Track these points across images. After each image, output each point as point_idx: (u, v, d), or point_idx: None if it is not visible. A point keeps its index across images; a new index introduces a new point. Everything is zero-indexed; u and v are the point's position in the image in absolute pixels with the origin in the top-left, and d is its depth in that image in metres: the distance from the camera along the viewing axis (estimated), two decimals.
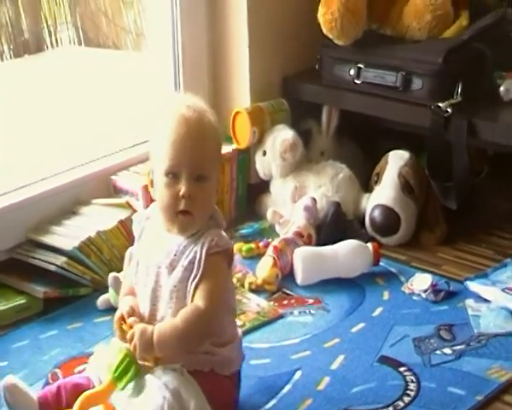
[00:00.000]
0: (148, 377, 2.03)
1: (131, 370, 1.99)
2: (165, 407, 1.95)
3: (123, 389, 2.00)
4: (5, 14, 3.06)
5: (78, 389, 2.05)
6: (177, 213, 2.04)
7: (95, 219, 2.78)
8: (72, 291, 2.63)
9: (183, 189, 2.02)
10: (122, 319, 2.05)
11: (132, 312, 2.05)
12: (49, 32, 3.23)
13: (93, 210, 2.83)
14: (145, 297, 2.11)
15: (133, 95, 3.22)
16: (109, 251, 2.67)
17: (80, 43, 3.32)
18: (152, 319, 2.08)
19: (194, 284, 2.02)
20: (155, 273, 2.09)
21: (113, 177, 2.92)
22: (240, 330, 2.24)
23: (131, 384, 2.01)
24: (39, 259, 2.68)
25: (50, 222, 2.78)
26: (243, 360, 2.18)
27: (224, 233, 2.12)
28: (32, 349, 2.47)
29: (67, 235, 2.71)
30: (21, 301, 2.63)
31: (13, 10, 3.10)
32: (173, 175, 2.02)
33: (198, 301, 2.01)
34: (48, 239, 2.72)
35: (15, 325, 2.58)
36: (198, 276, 2.02)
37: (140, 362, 2.00)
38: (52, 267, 2.64)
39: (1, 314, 2.59)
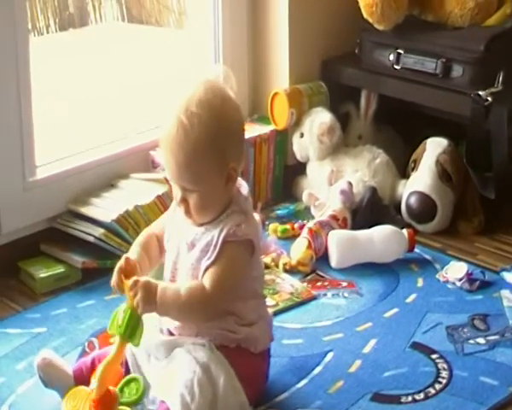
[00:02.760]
0: (178, 350, 2.06)
1: (140, 325, 2.00)
2: (195, 381, 1.97)
3: (138, 345, 2.01)
4: None
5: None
6: (180, 208, 2.09)
7: (133, 193, 2.79)
8: (110, 263, 2.63)
9: (178, 195, 2.07)
10: (121, 271, 2.07)
11: (127, 264, 2.07)
12: (94, 7, 3.24)
13: (131, 184, 2.85)
14: (167, 266, 2.15)
15: (174, 72, 3.22)
16: (146, 225, 2.66)
17: (124, 20, 3.33)
18: (192, 277, 2.10)
19: (206, 264, 2.04)
20: (177, 247, 2.12)
21: (151, 152, 2.93)
22: (270, 312, 2.26)
23: (162, 356, 2.05)
24: (78, 229, 2.71)
25: (90, 194, 2.80)
26: (271, 341, 2.19)
27: (252, 219, 2.13)
28: (69, 318, 2.50)
29: (106, 207, 2.74)
30: (60, 269, 2.67)
31: None
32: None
33: (206, 281, 2.03)
34: (87, 211, 2.74)
35: (54, 293, 2.62)
36: (212, 259, 2.03)
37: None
38: (90, 238, 2.67)
39: (41, 282, 2.63)
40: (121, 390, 1.99)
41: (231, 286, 2.08)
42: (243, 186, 2.14)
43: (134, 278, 2.00)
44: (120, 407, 1.98)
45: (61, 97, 3.00)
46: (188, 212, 2.06)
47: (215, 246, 2.03)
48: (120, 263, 2.07)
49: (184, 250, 2.10)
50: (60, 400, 2.10)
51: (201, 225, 2.08)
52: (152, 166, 2.92)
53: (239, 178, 2.11)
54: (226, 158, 2.03)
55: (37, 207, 2.74)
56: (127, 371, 2.07)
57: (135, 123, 3.00)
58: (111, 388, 1.98)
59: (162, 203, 2.73)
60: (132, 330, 1.99)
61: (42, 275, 2.64)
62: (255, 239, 2.09)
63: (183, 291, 2.02)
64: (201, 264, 2.04)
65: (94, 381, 1.98)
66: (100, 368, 1.99)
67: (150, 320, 2.08)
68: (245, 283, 2.11)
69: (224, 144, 2.03)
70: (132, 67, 3.18)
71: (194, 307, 2.04)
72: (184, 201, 2.05)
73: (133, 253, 2.15)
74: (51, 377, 2.13)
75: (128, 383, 2.01)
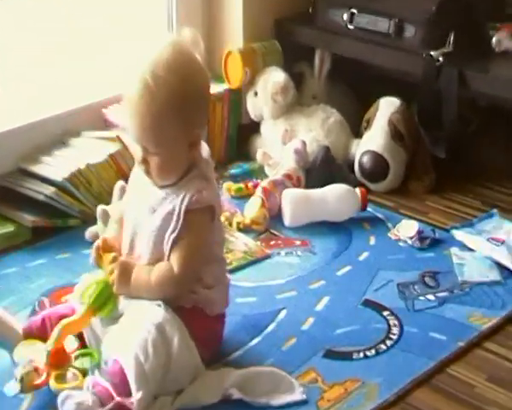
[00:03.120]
0: (133, 309, 2.08)
1: (112, 301, 2.05)
2: (149, 341, 1.98)
3: (105, 317, 2.05)
4: None
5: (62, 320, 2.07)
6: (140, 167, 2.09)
7: (85, 152, 2.78)
8: (61, 222, 2.65)
9: (140, 153, 2.06)
10: (99, 248, 2.10)
11: (105, 243, 2.11)
12: None
13: (83, 142, 2.84)
14: (127, 231, 2.14)
15: (128, 33, 3.19)
16: (98, 184, 2.68)
17: None
18: (130, 253, 2.13)
19: (172, 237, 2.05)
20: (137, 209, 2.12)
21: (104, 110, 2.92)
22: (228, 277, 2.26)
23: (118, 315, 2.06)
24: (28, 188, 2.70)
25: (41, 152, 2.79)
26: (227, 306, 2.21)
27: (213, 184, 2.14)
28: (19, 277, 2.49)
29: (57, 166, 2.73)
30: (10, 228, 2.65)
31: None
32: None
33: (174, 263, 2.05)
34: (38, 169, 2.73)
35: (3, 252, 2.61)
36: (176, 230, 2.05)
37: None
38: (41, 197, 2.66)
39: None
40: (76, 358, 2.02)
41: (198, 262, 2.10)
42: (205, 149, 2.14)
43: (114, 254, 2.06)
44: (71, 369, 2.00)
45: (8, 52, 2.95)
46: (148, 172, 2.07)
47: (178, 215, 2.04)
48: (98, 242, 2.11)
49: (145, 213, 2.10)
50: (7, 358, 2.11)
51: (162, 187, 2.08)
52: (105, 124, 2.91)
53: (203, 142, 2.12)
54: (191, 124, 2.05)
55: None
56: (83, 344, 2.09)
57: (87, 82, 2.97)
58: (66, 348, 2.01)
59: (115, 162, 2.73)
60: (102, 303, 2.03)
61: None
62: (216, 205, 2.11)
63: (153, 277, 2.06)
64: (166, 235, 2.06)
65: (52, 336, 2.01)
66: (60, 324, 2.01)
67: None
68: (206, 248, 2.13)
69: (190, 110, 2.04)
70: (82, 20, 3.13)
71: (165, 290, 2.08)
72: (145, 161, 2.06)
73: (110, 230, 2.21)
74: (0, 333, 2.13)
75: (84, 355, 2.04)
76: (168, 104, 1.99)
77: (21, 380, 1.97)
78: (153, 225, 2.08)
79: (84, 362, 2.03)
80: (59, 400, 1.94)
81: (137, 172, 2.14)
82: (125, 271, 2.05)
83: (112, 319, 2.09)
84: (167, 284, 2.07)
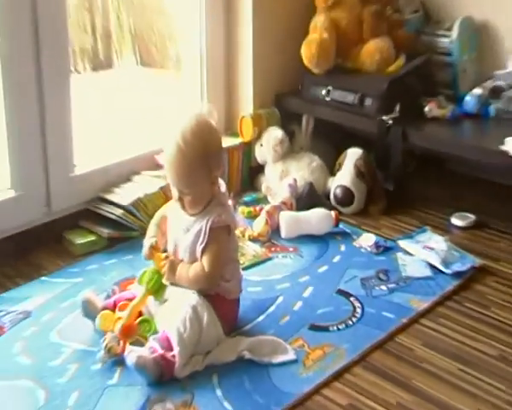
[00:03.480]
0: (176, 296, 2.09)
1: (162, 287, 2.09)
2: (187, 318, 2.01)
3: (159, 299, 2.09)
4: (88, 43, 3.08)
5: (127, 302, 2.10)
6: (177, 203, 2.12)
7: (143, 185, 2.77)
8: (127, 234, 2.66)
9: (176, 193, 2.10)
10: (153, 248, 2.13)
11: (156, 244, 2.14)
12: (116, 54, 3.23)
13: (142, 179, 2.83)
14: (170, 243, 2.17)
15: (172, 103, 3.22)
16: (152, 208, 2.66)
17: (138, 64, 3.32)
18: (192, 254, 2.12)
19: (201, 248, 2.08)
20: (177, 231, 2.14)
21: (156, 156, 2.90)
22: (241, 272, 2.26)
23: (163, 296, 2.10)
24: (105, 210, 2.70)
25: (113, 185, 2.78)
26: (241, 291, 2.22)
27: (229, 209, 2.16)
28: (98, 272, 2.50)
29: (124, 195, 2.72)
30: (92, 238, 2.66)
31: (93, 40, 3.12)
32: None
33: (205, 263, 2.07)
34: (111, 197, 2.73)
35: (88, 254, 2.62)
36: (204, 243, 2.07)
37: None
38: (113, 217, 2.67)
39: (78, 246, 2.63)
40: (138, 324, 2.04)
41: (222, 263, 2.11)
42: (222, 185, 2.16)
43: (166, 254, 2.11)
44: (137, 337, 2.03)
45: (93, 118, 2.98)
46: (183, 206, 2.10)
47: (205, 233, 2.06)
48: (151, 243, 2.14)
49: (182, 233, 2.12)
50: (92, 326, 2.14)
51: (193, 215, 2.10)
52: (156, 166, 2.90)
53: (219, 179, 2.14)
54: (210, 170, 2.07)
55: (76, 194, 2.72)
56: (140, 315, 2.10)
57: (145, 137, 2.98)
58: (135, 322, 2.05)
59: (164, 193, 2.72)
60: (157, 288, 2.08)
61: (79, 242, 2.63)
62: (231, 224, 2.14)
63: (191, 272, 2.08)
64: (197, 246, 2.08)
65: (121, 314, 2.05)
66: (130, 306, 2.06)
67: None
68: (225, 253, 2.14)
69: (209, 161, 2.06)
70: (143, 97, 3.17)
71: (197, 283, 2.09)
72: (181, 199, 2.09)
73: (151, 230, 2.22)
74: (88, 310, 2.16)
75: (142, 322, 2.05)
76: (194, 159, 2.03)
77: (109, 350, 2.01)
78: (188, 240, 2.11)
79: (145, 328, 2.05)
80: (125, 354, 1.96)
81: (174, 204, 2.16)
82: (173, 266, 2.09)
83: (161, 301, 2.11)
84: (200, 279, 2.09)
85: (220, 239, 2.10)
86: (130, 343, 2.01)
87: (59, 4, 2.54)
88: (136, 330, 2.04)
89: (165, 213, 2.23)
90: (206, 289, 2.10)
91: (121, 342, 2.01)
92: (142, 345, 2.00)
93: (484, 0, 3.11)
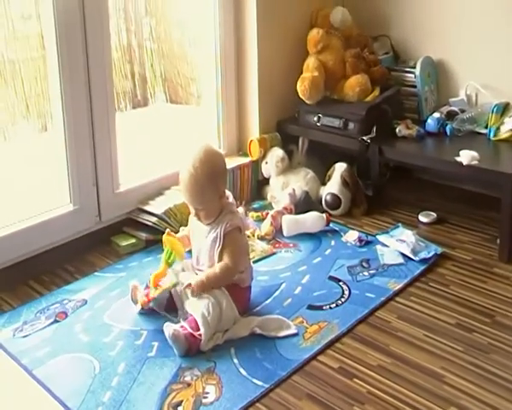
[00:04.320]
0: None
1: (173, 258, 2.12)
2: (210, 304, 2.01)
3: (171, 266, 2.12)
4: (128, 86, 3.10)
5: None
6: (196, 216, 2.12)
7: (173, 198, 2.75)
8: (160, 237, 2.60)
9: (193, 210, 2.11)
10: (168, 234, 2.14)
11: (169, 232, 2.15)
12: (151, 94, 3.24)
13: (172, 193, 2.80)
14: (194, 250, 2.16)
15: (195, 130, 3.22)
16: (180, 215, 2.66)
17: (167, 101, 3.33)
18: (197, 261, 2.13)
19: (218, 251, 2.07)
20: (199, 238, 2.13)
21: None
22: (252, 263, 2.25)
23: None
24: (143, 218, 2.69)
25: (149, 198, 2.77)
26: (252, 280, 2.21)
27: (237, 214, 2.13)
28: (138, 268, 2.49)
29: (158, 206, 2.70)
30: (133, 241, 2.65)
31: (132, 84, 3.13)
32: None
33: (226, 260, 2.06)
34: (148, 207, 2.71)
35: (129, 254, 2.61)
36: (220, 247, 2.06)
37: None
38: (150, 223, 2.66)
39: (123, 248, 2.62)
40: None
41: (241, 255, 2.11)
42: (229, 196, 2.15)
43: (189, 282, 2.05)
44: (163, 285, 2.09)
45: (133, 146, 2.99)
46: (199, 219, 2.10)
47: (220, 239, 2.06)
48: (167, 231, 2.16)
49: (202, 240, 2.12)
50: (135, 310, 2.16)
51: (208, 224, 2.09)
52: None
53: (226, 191, 2.13)
54: (218, 187, 2.07)
55: (121, 206, 2.71)
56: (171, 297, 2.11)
57: (172, 159, 2.97)
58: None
59: None
60: (171, 261, 2.11)
61: (123, 244, 2.62)
62: (240, 225, 2.12)
63: (218, 270, 2.06)
64: (214, 250, 2.07)
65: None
66: (151, 276, 2.11)
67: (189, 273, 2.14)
68: (240, 248, 2.13)
69: (217, 180, 2.06)
70: (172, 128, 3.17)
71: (225, 277, 2.08)
72: (197, 214, 2.09)
73: (183, 232, 2.24)
74: (135, 296, 2.16)
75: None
76: (204, 181, 2.03)
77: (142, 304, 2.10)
78: (207, 245, 2.10)
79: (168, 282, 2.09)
80: (164, 328, 1.97)
81: (193, 217, 2.16)
82: (201, 284, 2.04)
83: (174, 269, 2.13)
84: (228, 273, 2.07)
85: (234, 239, 2.08)
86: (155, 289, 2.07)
87: (105, 57, 2.55)
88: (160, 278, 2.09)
89: (189, 226, 2.22)
90: (230, 281, 2.09)
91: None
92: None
93: (439, 43, 3.09)
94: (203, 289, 2.03)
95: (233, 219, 2.08)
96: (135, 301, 2.16)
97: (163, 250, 2.15)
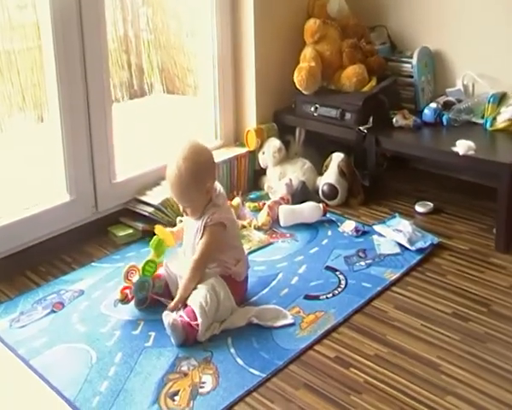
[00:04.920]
0: None
1: (161, 247, 2.13)
2: (208, 295, 2.00)
3: (159, 256, 2.14)
4: (125, 77, 3.09)
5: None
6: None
7: None
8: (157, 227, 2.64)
9: (181, 207, 2.10)
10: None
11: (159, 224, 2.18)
12: (147, 85, 3.23)
13: None
14: (188, 242, 2.14)
15: (192, 121, 3.21)
16: (177, 206, 2.58)
17: (164, 92, 3.32)
18: (193, 250, 2.11)
19: (198, 241, 2.07)
20: (189, 232, 2.13)
21: None
22: (246, 254, 2.24)
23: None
24: (140, 208, 2.68)
25: (146, 188, 2.75)
26: (248, 269, 2.20)
27: (223, 208, 2.10)
28: (136, 257, 2.46)
29: (155, 196, 2.70)
30: (130, 231, 2.63)
31: (129, 74, 3.12)
32: None
33: (196, 254, 2.06)
34: (144, 198, 2.71)
35: (127, 244, 2.60)
36: (199, 237, 2.07)
37: None
38: (146, 213, 2.64)
39: (120, 238, 2.61)
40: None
41: (210, 251, 2.08)
42: (219, 188, 2.13)
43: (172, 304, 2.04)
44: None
45: (130, 136, 2.98)
46: (187, 214, 2.09)
47: (201, 230, 2.06)
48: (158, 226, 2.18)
49: (192, 233, 2.11)
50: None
51: (196, 219, 2.08)
52: None
53: (216, 184, 2.12)
54: (204, 183, 2.05)
55: (117, 196, 2.70)
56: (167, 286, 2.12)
57: (169, 149, 2.95)
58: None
59: None
60: (160, 252, 2.12)
61: (120, 234, 2.61)
62: (224, 220, 2.08)
63: (189, 273, 2.05)
64: (195, 243, 2.08)
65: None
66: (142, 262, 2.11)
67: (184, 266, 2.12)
68: (226, 242, 2.11)
69: (202, 178, 2.04)
70: (169, 118, 3.16)
71: (197, 272, 2.06)
72: (184, 210, 2.09)
73: (179, 226, 2.23)
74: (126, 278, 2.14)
75: (148, 262, 2.12)
76: (189, 181, 2.02)
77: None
78: (196, 239, 2.09)
79: (149, 269, 2.11)
80: (163, 317, 1.96)
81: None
82: (182, 298, 2.03)
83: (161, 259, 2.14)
84: (196, 267, 2.05)
85: (212, 233, 2.06)
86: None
87: (102, 47, 2.53)
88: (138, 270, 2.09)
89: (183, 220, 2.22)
90: (219, 272, 2.08)
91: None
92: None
93: (437, 33, 3.08)
94: (184, 299, 2.03)
95: (215, 213, 2.06)
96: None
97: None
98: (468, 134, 2.70)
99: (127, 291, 2.10)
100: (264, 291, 2.22)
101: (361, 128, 2.84)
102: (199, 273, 2.06)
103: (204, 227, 2.05)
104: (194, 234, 2.08)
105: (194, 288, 2.04)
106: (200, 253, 2.06)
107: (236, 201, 2.75)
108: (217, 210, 2.07)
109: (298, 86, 3.00)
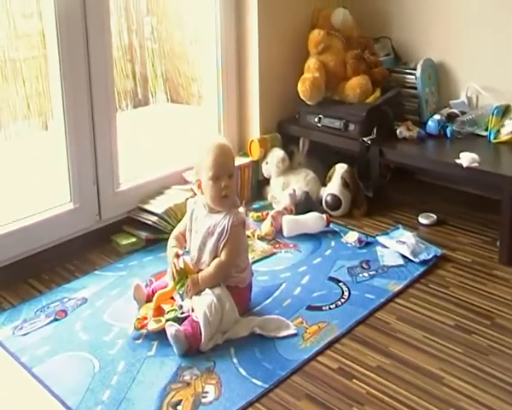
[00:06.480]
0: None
1: (183, 283, 2.06)
2: (212, 305, 2.01)
3: (179, 290, 2.07)
4: (129, 86, 3.10)
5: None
6: (221, 198, 2.06)
7: (173, 197, 2.76)
8: (161, 237, 2.64)
9: (223, 183, 2.04)
10: (177, 255, 2.10)
11: (177, 256, 2.10)
12: (152, 94, 3.25)
13: (173, 192, 2.82)
14: (194, 248, 2.14)
15: (196, 130, 3.22)
16: (181, 215, 2.62)
17: (168, 101, 3.33)
18: (198, 261, 2.12)
19: (222, 243, 2.06)
20: (202, 236, 2.11)
21: (183, 174, 2.91)
22: (250, 261, 2.25)
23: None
24: (143, 217, 2.69)
25: (149, 197, 2.77)
26: (252, 276, 2.21)
27: (241, 210, 2.14)
28: (138, 267, 2.49)
29: (158, 205, 2.71)
30: (133, 240, 2.65)
31: (133, 83, 3.13)
32: (216, 178, 2.05)
33: (222, 256, 2.06)
34: (148, 207, 2.72)
35: (130, 253, 2.61)
36: (225, 239, 2.06)
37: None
38: (150, 222, 2.66)
39: (123, 246, 2.62)
40: (167, 312, 2.03)
41: (242, 252, 2.12)
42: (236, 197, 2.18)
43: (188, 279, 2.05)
44: (166, 316, 2.02)
45: (134, 145, 3.00)
46: (227, 195, 2.08)
47: (227, 230, 2.06)
48: (176, 252, 2.11)
49: (206, 237, 2.10)
50: (134, 309, 2.14)
51: (217, 212, 2.10)
52: (184, 182, 2.90)
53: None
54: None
55: (121, 205, 2.71)
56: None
57: (173, 159, 2.98)
58: (162, 305, 2.05)
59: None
60: (180, 286, 2.06)
61: (123, 242, 2.63)
62: (246, 219, 2.17)
63: (212, 268, 2.06)
64: (219, 244, 2.07)
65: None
66: (156, 294, 2.07)
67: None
68: (240, 245, 2.14)
69: (234, 156, 2.15)
70: (172, 126, 3.18)
71: (220, 273, 2.08)
72: (227, 187, 2.07)
73: (171, 244, 2.17)
74: (138, 295, 2.15)
75: (171, 311, 2.05)
76: (229, 151, 2.11)
77: (135, 325, 2.04)
78: (212, 242, 2.09)
79: (171, 314, 2.03)
80: (166, 327, 1.97)
81: (195, 212, 2.15)
82: (196, 282, 2.05)
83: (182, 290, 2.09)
84: (221, 269, 2.07)
85: (238, 234, 2.09)
86: (155, 322, 2.03)
87: (107, 56, 2.55)
88: (162, 314, 2.04)
89: (184, 226, 2.20)
90: (225, 280, 2.09)
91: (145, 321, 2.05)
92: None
93: (440, 45, 3.09)
94: (197, 289, 2.04)
95: (239, 214, 2.11)
96: (138, 301, 2.15)
97: (174, 274, 2.10)
98: (471, 146, 2.71)
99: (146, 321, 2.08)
100: (267, 301, 2.23)
101: (365, 139, 2.85)
102: (222, 275, 2.08)
103: (230, 228, 2.06)
104: (217, 235, 2.07)
105: (201, 291, 2.05)
106: (229, 256, 2.07)
107: (240, 210, 2.76)
108: (239, 212, 2.11)
109: (302, 97, 3.01)
